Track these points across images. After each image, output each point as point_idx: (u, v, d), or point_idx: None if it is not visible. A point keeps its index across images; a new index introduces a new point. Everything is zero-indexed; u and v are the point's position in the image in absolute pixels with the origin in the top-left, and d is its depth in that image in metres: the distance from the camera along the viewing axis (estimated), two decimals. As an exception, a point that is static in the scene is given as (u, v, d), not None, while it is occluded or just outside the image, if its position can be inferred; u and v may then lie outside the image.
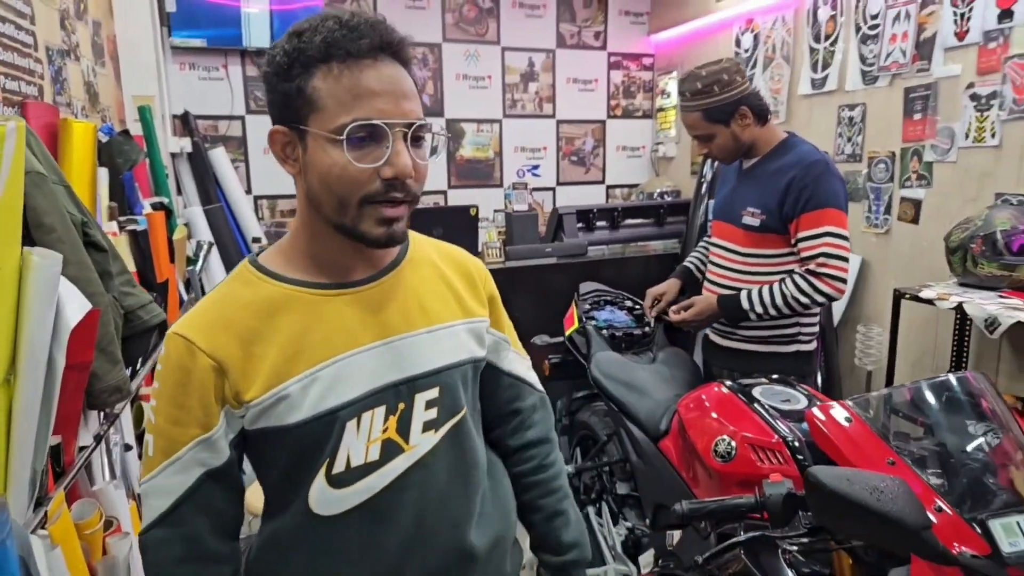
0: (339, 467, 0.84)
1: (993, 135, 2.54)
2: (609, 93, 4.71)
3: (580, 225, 3.63)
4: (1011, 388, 2.52)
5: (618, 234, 3.77)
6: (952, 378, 1.17)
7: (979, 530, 0.94)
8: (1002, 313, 2.08)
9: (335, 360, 0.84)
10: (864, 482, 0.88)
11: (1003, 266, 2.25)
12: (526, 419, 1.07)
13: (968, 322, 2.57)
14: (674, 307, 2.12)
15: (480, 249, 3.27)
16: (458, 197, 4.42)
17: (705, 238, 2.37)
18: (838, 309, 3.15)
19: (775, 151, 1.98)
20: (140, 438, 1.63)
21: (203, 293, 2.72)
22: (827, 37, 3.27)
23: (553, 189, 4.69)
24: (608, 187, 4.84)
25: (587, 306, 2.51)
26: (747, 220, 1.97)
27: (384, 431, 0.86)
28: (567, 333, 2.47)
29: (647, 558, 1.93)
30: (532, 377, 1.10)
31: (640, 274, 3.16)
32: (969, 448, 1.07)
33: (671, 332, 2.43)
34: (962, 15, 2.62)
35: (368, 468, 0.86)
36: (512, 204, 3.80)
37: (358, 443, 0.84)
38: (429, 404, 0.89)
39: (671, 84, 4.54)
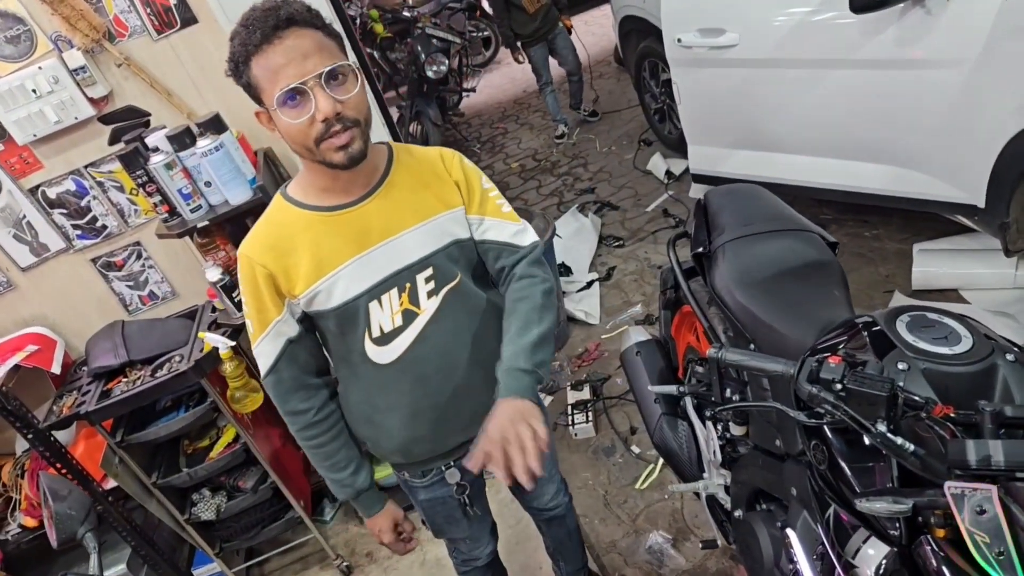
0: (376, 332, 1.26)
1: None
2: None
3: None
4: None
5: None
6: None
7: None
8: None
9: (350, 262, 1.21)
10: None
11: None
12: (513, 269, 1.35)
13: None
14: None
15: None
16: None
17: None
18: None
19: None
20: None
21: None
22: None
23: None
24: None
25: None
26: None
27: (400, 304, 1.25)
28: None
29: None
30: (515, 239, 1.34)
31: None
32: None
33: None
34: None
35: (398, 331, 1.26)
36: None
37: (384, 316, 1.24)
38: (427, 280, 1.25)
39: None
